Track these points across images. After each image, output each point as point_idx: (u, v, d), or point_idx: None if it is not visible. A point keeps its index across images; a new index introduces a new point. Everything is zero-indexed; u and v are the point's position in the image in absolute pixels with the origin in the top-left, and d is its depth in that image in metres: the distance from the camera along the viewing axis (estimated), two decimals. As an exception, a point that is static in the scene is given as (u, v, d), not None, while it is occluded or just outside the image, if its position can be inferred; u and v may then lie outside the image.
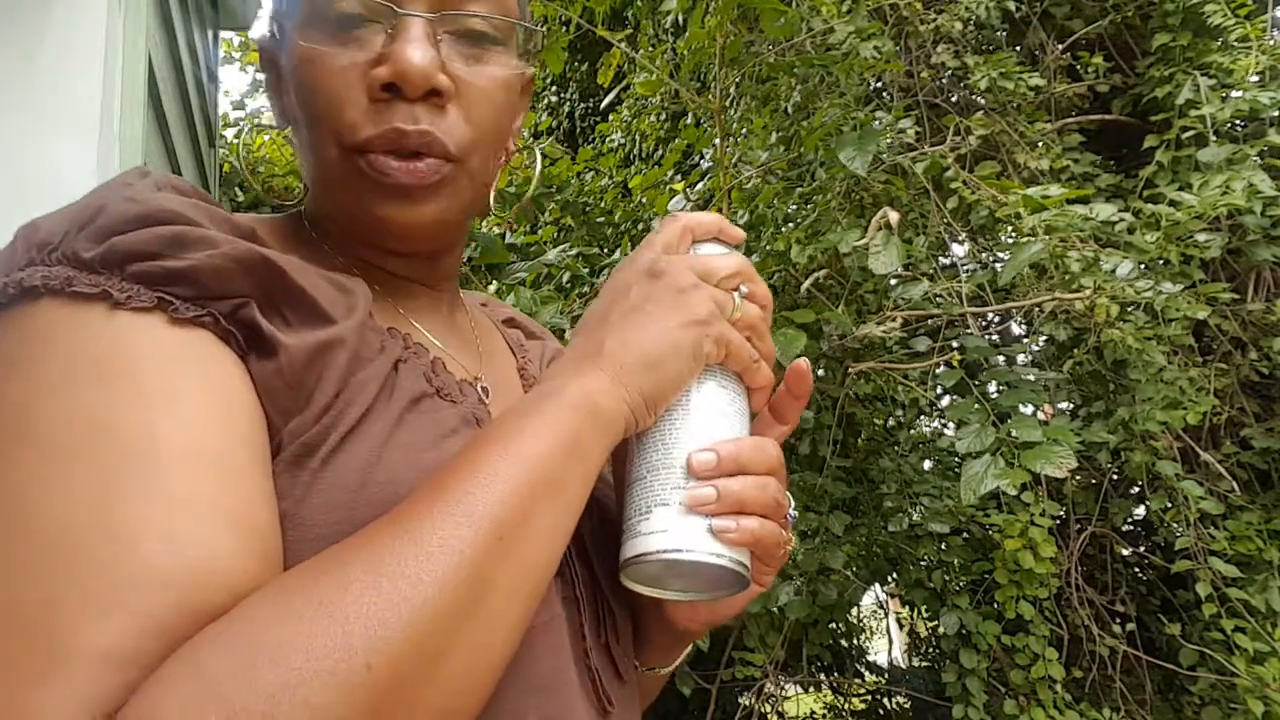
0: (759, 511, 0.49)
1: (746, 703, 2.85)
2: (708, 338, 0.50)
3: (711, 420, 0.51)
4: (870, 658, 4.44)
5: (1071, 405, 2.87)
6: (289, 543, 0.42)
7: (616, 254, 3.04)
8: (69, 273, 0.40)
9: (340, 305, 0.47)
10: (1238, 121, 2.69)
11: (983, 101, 3.08)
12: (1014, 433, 1.77)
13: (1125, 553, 3.10)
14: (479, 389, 0.57)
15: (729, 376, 0.53)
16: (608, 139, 4.70)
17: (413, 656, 0.35)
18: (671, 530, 0.48)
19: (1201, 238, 2.29)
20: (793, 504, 0.54)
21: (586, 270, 2.81)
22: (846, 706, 4.16)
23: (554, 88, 6.08)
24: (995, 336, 3.39)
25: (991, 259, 2.70)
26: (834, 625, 3.35)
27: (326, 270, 0.50)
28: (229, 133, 4.89)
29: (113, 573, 0.34)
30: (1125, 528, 3.18)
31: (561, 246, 2.78)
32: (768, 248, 2.50)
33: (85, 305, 0.40)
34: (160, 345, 0.40)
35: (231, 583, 0.36)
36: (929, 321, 2.39)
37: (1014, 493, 2.05)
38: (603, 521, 0.55)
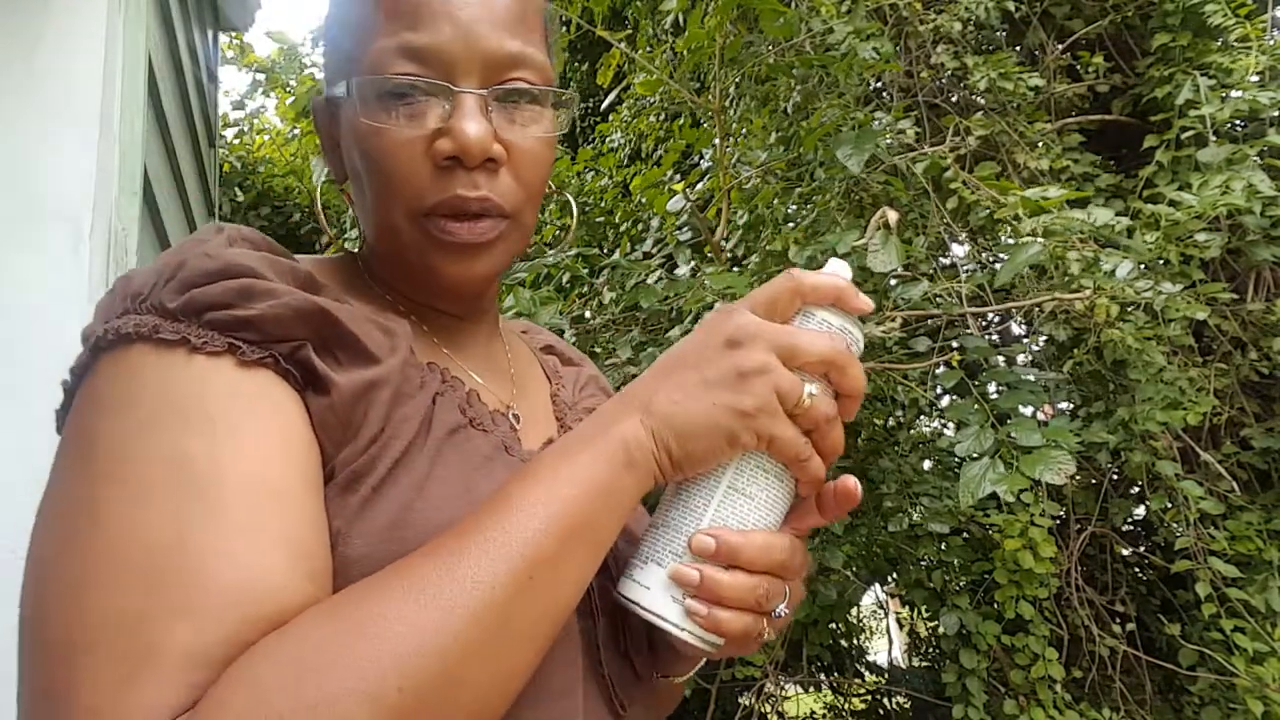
0: (737, 607, 0.50)
1: (746, 703, 2.85)
2: (747, 430, 0.50)
3: (736, 502, 0.52)
4: (870, 658, 4.44)
5: (1071, 405, 2.87)
6: (336, 560, 0.47)
7: (616, 254, 3.04)
8: (156, 321, 0.47)
9: (385, 346, 0.53)
10: (1237, 121, 2.69)
11: (982, 102, 3.08)
12: (1013, 434, 1.77)
13: (1125, 553, 3.10)
14: (510, 417, 0.62)
15: (775, 462, 0.52)
16: (608, 139, 4.70)
17: (440, 682, 0.40)
18: (653, 590, 0.51)
19: (1201, 238, 2.29)
20: (785, 603, 0.53)
21: (586, 271, 2.81)
22: (846, 706, 4.16)
23: (554, 88, 6.08)
24: (995, 336, 3.39)
25: (991, 259, 2.70)
26: (834, 625, 3.35)
27: (375, 308, 0.57)
28: (229, 133, 4.90)
29: (188, 589, 0.41)
30: (1125, 528, 3.18)
31: (561, 247, 2.77)
32: (767, 248, 2.50)
33: (169, 349, 0.47)
34: (229, 385, 0.47)
35: (284, 598, 0.42)
36: (929, 322, 2.39)
37: (1012, 498, 2.05)
38: (625, 538, 0.57)
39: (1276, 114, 2.60)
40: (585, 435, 0.50)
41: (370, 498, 0.49)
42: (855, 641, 4.23)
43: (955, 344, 2.25)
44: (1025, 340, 3.27)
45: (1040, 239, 1.96)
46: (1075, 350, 2.50)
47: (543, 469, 0.48)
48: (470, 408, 0.57)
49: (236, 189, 4.47)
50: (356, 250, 0.66)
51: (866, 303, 0.55)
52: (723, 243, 2.69)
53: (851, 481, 0.54)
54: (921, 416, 2.99)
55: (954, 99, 3.26)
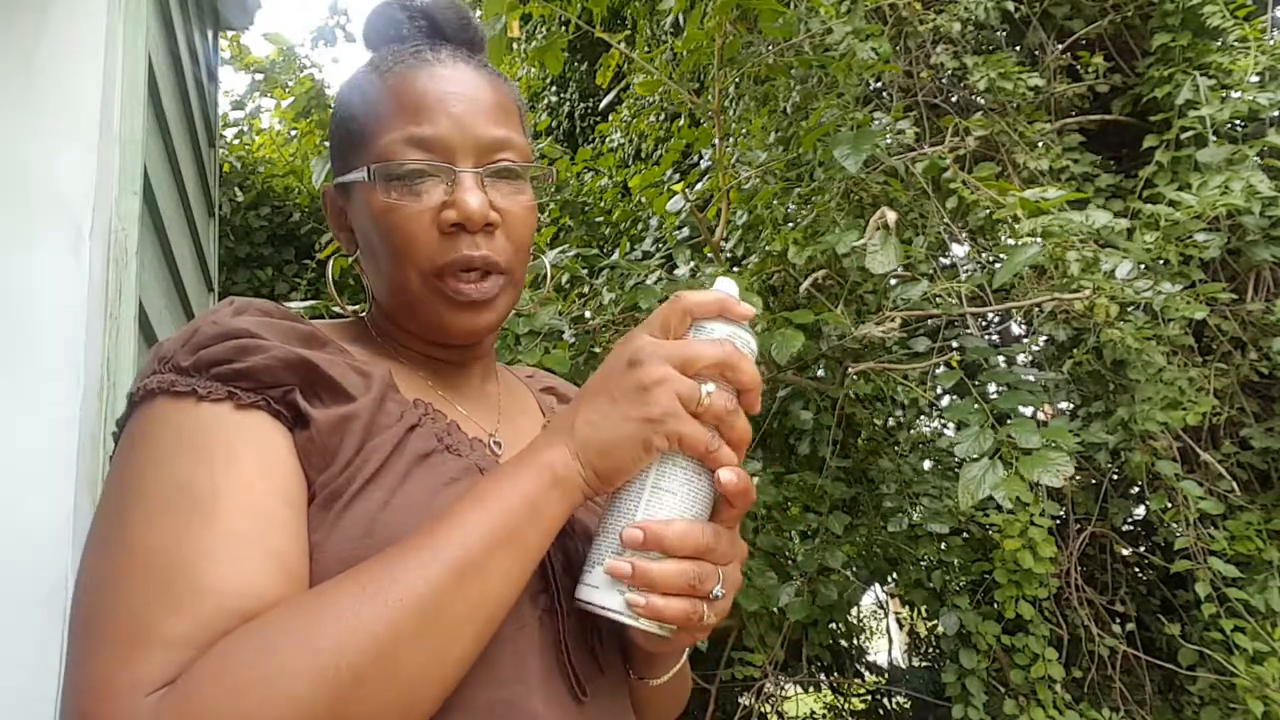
0: (669, 591, 0.57)
1: (746, 703, 2.85)
2: (657, 434, 0.57)
3: (661, 499, 0.58)
4: (870, 658, 4.44)
5: (1071, 405, 2.87)
6: (316, 565, 0.56)
7: (615, 254, 3.03)
8: (173, 377, 0.59)
9: (360, 386, 0.63)
10: (1237, 122, 2.69)
11: (982, 102, 3.08)
12: (1013, 435, 1.77)
13: (1125, 553, 3.10)
14: (491, 444, 0.71)
15: (691, 459, 0.59)
16: (607, 139, 4.70)
17: (375, 660, 0.48)
18: (601, 588, 0.58)
19: (1201, 238, 2.29)
20: (720, 585, 0.59)
21: (585, 271, 2.81)
22: (846, 706, 4.16)
23: (554, 88, 6.08)
24: (995, 337, 3.39)
25: (991, 259, 2.70)
26: (834, 625, 3.35)
27: (368, 356, 0.69)
28: (229, 133, 4.90)
29: (181, 587, 0.50)
30: (1125, 528, 3.18)
31: (561, 248, 2.77)
32: (766, 248, 2.50)
33: (181, 399, 0.58)
34: (227, 425, 0.57)
35: (260, 596, 0.51)
36: (928, 322, 2.39)
37: (1010, 505, 2.04)
38: (587, 544, 0.64)
39: (1276, 114, 2.60)
40: (518, 461, 0.59)
41: (343, 512, 0.58)
42: (855, 641, 4.23)
43: (955, 344, 2.25)
44: (1025, 340, 3.27)
45: (1039, 239, 1.96)
46: (1075, 350, 2.50)
47: (481, 489, 0.57)
48: (449, 436, 0.67)
49: (236, 189, 4.47)
50: (365, 314, 0.78)
51: (748, 309, 0.62)
52: (722, 243, 2.69)
53: (740, 480, 0.60)
54: (921, 417, 2.99)
55: (954, 99, 3.26)
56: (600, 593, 0.58)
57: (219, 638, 0.49)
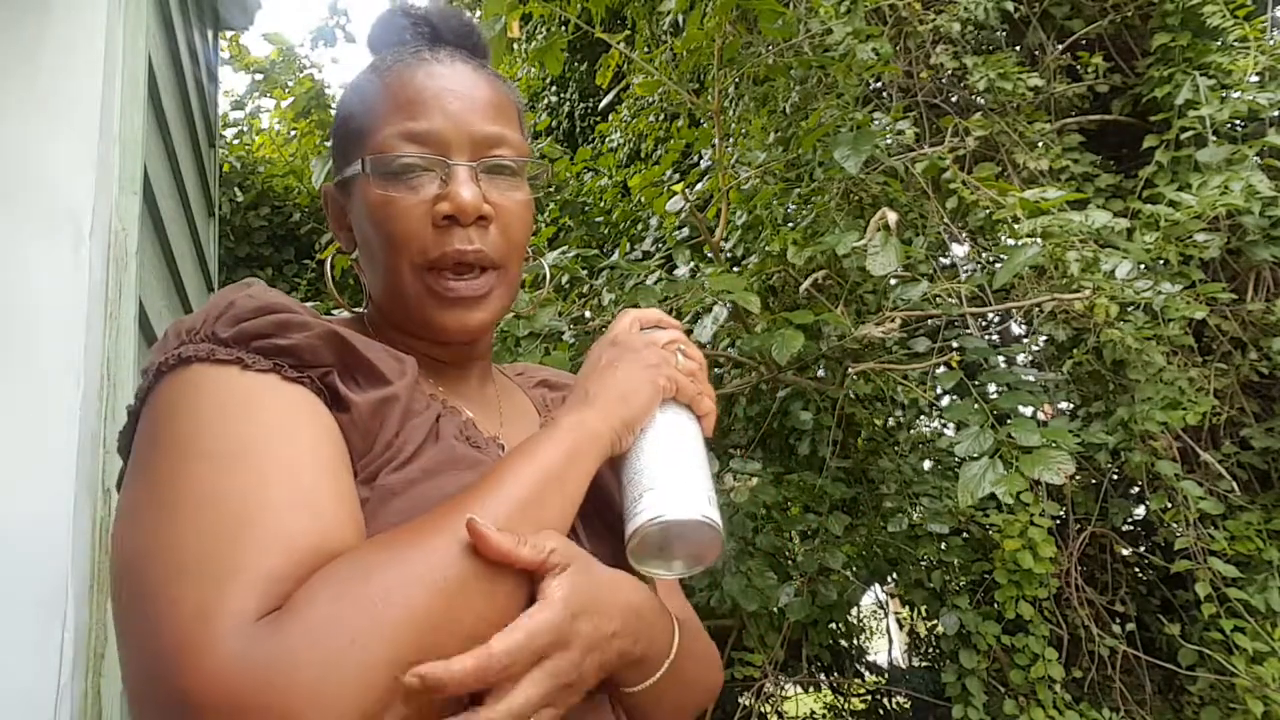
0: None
1: (746, 703, 2.85)
2: (661, 375, 0.70)
3: (672, 434, 0.69)
4: (870, 658, 4.44)
5: (1071, 405, 2.87)
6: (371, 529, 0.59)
7: (615, 255, 3.03)
8: (211, 347, 0.59)
9: (396, 370, 0.65)
10: (1237, 122, 2.69)
11: (982, 102, 3.08)
12: (1013, 434, 1.77)
13: (1125, 553, 3.10)
14: (498, 445, 0.74)
15: (682, 408, 0.72)
16: (607, 139, 4.70)
17: (467, 575, 0.52)
18: (653, 505, 0.64)
19: (1201, 238, 2.29)
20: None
21: (585, 271, 2.81)
22: (846, 706, 4.16)
23: (553, 88, 6.08)
24: (995, 337, 3.38)
25: (991, 259, 2.70)
26: (834, 625, 3.35)
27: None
28: (229, 133, 4.90)
29: (272, 529, 0.51)
30: (1125, 528, 3.18)
31: (560, 249, 2.77)
32: (766, 248, 2.50)
33: (224, 367, 0.58)
34: (279, 395, 0.58)
35: (342, 537, 0.54)
36: (928, 322, 2.39)
37: (1010, 501, 2.04)
38: (600, 515, 0.70)
39: (1276, 114, 2.60)
40: (552, 423, 0.66)
41: (388, 477, 0.60)
42: (855, 641, 4.23)
43: (955, 344, 2.25)
44: (1025, 340, 3.27)
45: (1039, 240, 1.96)
46: (1075, 350, 2.50)
47: (524, 447, 0.63)
48: (470, 429, 0.70)
49: (236, 189, 4.47)
50: (363, 311, 0.79)
51: (676, 323, 0.79)
52: (722, 243, 2.69)
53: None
54: (921, 417, 2.99)
55: (953, 99, 3.26)
56: (654, 507, 0.63)
57: (309, 575, 0.50)
